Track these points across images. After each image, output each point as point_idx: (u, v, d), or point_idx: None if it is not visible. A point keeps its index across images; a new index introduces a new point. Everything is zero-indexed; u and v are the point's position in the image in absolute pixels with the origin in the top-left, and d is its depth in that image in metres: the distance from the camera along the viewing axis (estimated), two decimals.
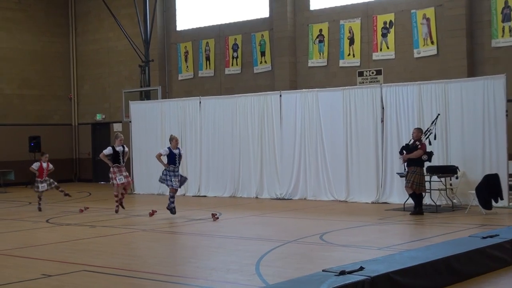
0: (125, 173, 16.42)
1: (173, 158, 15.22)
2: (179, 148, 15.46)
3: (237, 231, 13.21)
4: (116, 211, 16.34)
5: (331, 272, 7.15)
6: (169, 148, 15.29)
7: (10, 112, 27.58)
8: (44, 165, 17.38)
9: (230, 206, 18.13)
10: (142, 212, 16.46)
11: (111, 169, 16.36)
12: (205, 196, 20.71)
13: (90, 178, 28.89)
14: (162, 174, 15.34)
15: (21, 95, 27.94)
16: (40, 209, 17.24)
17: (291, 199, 19.09)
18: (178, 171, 15.34)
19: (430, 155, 15.02)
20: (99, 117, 28.74)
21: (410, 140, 15.31)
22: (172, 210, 15.16)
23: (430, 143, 15.38)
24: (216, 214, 14.98)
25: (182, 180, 15.49)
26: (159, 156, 15.30)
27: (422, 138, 15.19)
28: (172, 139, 15.40)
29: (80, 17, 29.51)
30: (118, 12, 26.52)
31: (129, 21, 26.53)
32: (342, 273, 7.01)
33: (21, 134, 27.06)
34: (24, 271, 9.38)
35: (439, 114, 16.19)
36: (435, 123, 15.67)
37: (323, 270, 7.32)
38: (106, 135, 28.07)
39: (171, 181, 15.10)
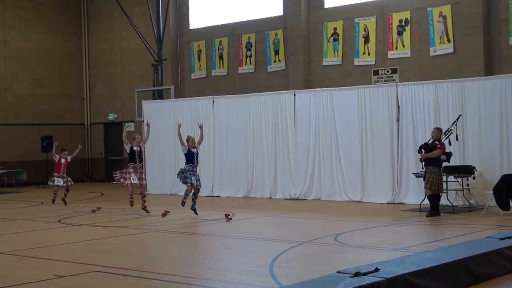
0: (139, 175, 16.38)
1: (191, 156, 15.53)
2: (196, 147, 15.70)
3: (250, 231, 13.21)
4: (131, 204, 16.47)
5: (346, 273, 7.13)
6: (188, 147, 15.59)
7: (22, 112, 27.72)
8: (63, 161, 17.64)
9: (244, 206, 18.13)
10: (155, 212, 16.48)
11: (127, 169, 16.35)
12: (218, 196, 20.73)
13: (103, 178, 28.98)
14: (181, 175, 15.47)
15: (33, 95, 28.09)
16: (54, 201, 17.54)
17: (305, 199, 19.07)
18: (196, 171, 15.60)
19: (449, 155, 14.93)
20: (111, 116, 28.84)
21: (429, 139, 15.24)
22: (183, 203, 15.41)
23: (450, 144, 15.31)
24: (229, 215, 14.99)
25: (198, 185, 15.60)
26: (179, 129, 15.86)
27: (441, 138, 15.12)
28: (189, 139, 15.65)
29: (92, 16, 29.63)
30: (130, 10, 26.60)
31: (142, 20, 26.60)
32: (357, 274, 7.00)
33: (33, 133, 27.20)
34: (36, 272, 9.42)
35: (460, 115, 16.08)
36: (456, 124, 15.58)
37: (337, 272, 7.31)
38: (119, 135, 28.06)
39: (191, 179, 15.33)
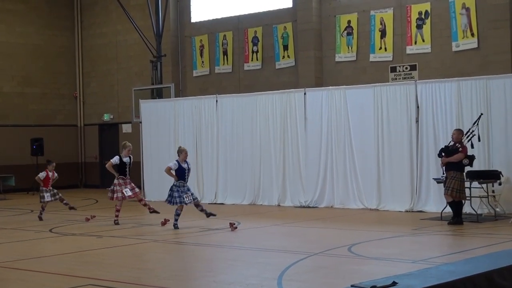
0: (130, 185, 16.10)
1: (182, 173, 15.10)
2: (187, 162, 15.30)
3: (257, 242, 13.21)
4: (117, 223, 16.03)
5: (360, 287, 7.12)
6: (177, 161, 15.14)
7: (11, 112, 27.80)
8: (50, 174, 17.51)
9: (250, 214, 18.14)
10: (154, 221, 16.50)
11: (115, 181, 16.10)
12: (222, 203, 20.73)
13: (97, 184, 29.02)
14: (170, 193, 15.04)
15: (22, 94, 28.16)
16: (41, 219, 17.28)
17: (316, 207, 19.06)
18: (187, 186, 15.19)
19: (471, 159, 14.90)
20: (106, 117, 28.90)
21: (450, 142, 15.20)
22: (176, 226, 15.02)
23: (472, 146, 15.27)
24: (234, 224, 14.98)
25: (195, 198, 15.27)
26: (168, 170, 15.09)
27: (463, 140, 15.08)
28: (182, 151, 15.21)
29: (86, 8, 29.70)
30: (127, 3, 26.64)
31: (140, 13, 26.64)
32: None
33: (22, 136, 27.25)
34: (25, 285, 9.45)
35: (482, 114, 16.05)
36: (477, 124, 15.56)
37: (352, 285, 7.29)
38: (115, 137, 28.21)
39: (183, 197, 14.89)
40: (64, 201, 17.64)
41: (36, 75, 28.60)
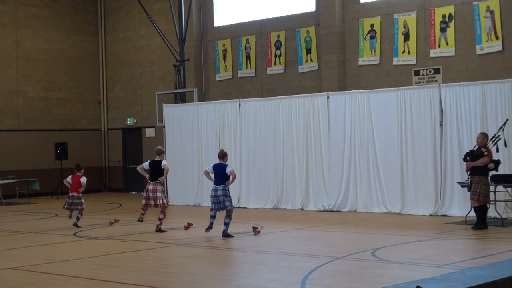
0: None
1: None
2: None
3: (280, 246, 13.20)
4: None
5: None
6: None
7: (35, 117, 28.02)
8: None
9: (273, 218, 18.12)
10: (177, 225, 16.54)
11: (162, 187, 15.86)
12: (245, 207, 20.74)
13: (121, 188, 29.17)
14: (228, 195, 14.51)
15: (46, 98, 28.36)
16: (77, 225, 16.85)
17: (340, 211, 19.02)
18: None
19: (497, 163, 14.77)
20: (130, 121, 29.02)
21: (475, 146, 15.09)
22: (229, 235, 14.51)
23: (497, 150, 15.16)
24: (257, 228, 14.99)
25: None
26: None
27: (488, 145, 14.97)
28: (226, 155, 14.91)
29: (110, 13, 29.87)
30: (150, 7, 26.79)
31: (163, 17, 26.77)
32: None
33: (47, 140, 27.45)
34: None
35: (507, 120, 15.92)
36: (503, 129, 15.43)
37: None
38: (138, 141, 28.36)
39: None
40: (77, 217, 16.94)
41: (60, 79, 28.80)
